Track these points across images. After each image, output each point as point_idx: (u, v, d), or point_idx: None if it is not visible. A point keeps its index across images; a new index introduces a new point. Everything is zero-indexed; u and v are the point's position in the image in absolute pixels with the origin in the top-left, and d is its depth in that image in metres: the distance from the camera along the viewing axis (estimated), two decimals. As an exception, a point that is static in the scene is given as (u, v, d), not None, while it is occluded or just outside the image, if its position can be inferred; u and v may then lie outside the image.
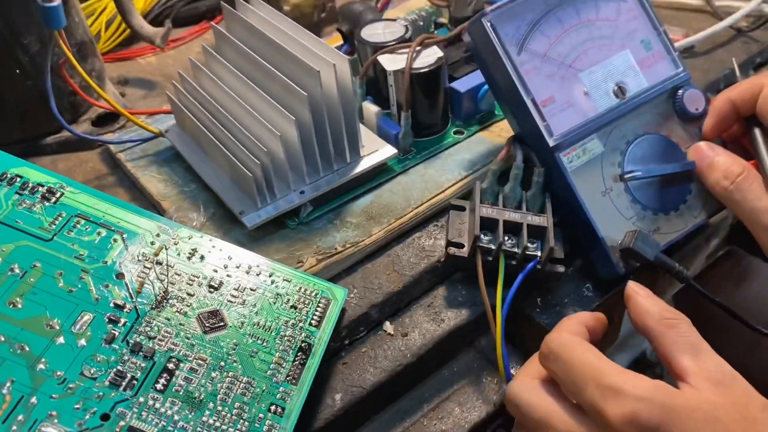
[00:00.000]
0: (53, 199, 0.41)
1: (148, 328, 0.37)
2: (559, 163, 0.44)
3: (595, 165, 0.45)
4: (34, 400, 0.33)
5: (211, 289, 0.40)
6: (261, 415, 0.36)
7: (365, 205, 0.50)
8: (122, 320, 0.37)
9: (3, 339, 0.35)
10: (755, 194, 0.42)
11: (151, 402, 0.35)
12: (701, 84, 0.59)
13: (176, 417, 0.35)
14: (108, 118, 0.59)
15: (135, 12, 0.62)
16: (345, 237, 0.47)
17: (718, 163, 0.44)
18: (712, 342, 0.35)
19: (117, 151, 0.54)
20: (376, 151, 0.51)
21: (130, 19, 0.62)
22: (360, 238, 0.47)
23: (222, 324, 0.39)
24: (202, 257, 0.41)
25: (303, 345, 0.39)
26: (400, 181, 0.51)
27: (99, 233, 0.40)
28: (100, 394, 0.34)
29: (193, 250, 0.42)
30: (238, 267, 0.42)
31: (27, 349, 0.35)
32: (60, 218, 0.40)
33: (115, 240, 0.40)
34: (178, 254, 0.41)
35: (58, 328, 0.36)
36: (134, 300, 0.38)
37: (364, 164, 0.50)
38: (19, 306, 0.36)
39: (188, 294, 0.39)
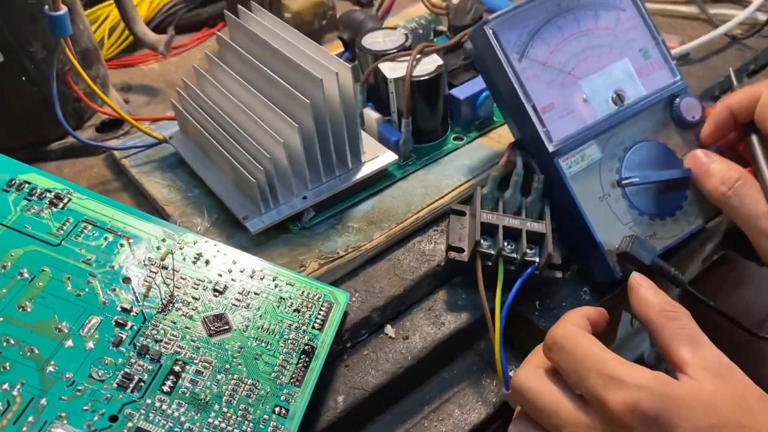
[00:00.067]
0: (61, 205, 0.41)
1: (155, 332, 0.38)
2: (558, 169, 0.45)
3: (593, 171, 0.45)
4: (43, 401, 0.34)
5: (216, 293, 0.41)
6: (265, 417, 0.37)
7: (366, 210, 0.50)
8: (129, 323, 0.38)
9: (13, 342, 0.35)
10: (753, 199, 0.43)
11: (158, 404, 0.36)
12: (696, 91, 0.60)
13: (183, 418, 0.35)
14: (112, 125, 0.59)
15: (138, 19, 0.62)
16: (347, 241, 0.48)
17: (715, 169, 0.45)
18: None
19: (121, 157, 0.55)
20: (377, 157, 0.52)
21: (134, 26, 0.62)
22: (361, 243, 0.47)
23: (227, 327, 0.39)
24: (207, 262, 0.42)
25: (306, 348, 0.40)
26: (401, 187, 0.52)
27: (106, 238, 0.41)
28: (109, 395, 0.35)
29: (198, 254, 0.42)
30: (242, 271, 0.42)
31: (36, 351, 0.35)
32: (67, 223, 0.41)
33: (121, 245, 0.41)
34: (184, 259, 0.42)
35: (66, 331, 0.36)
36: (141, 304, 0.39)
37: (366, 170, 0.51)
38: (29, 310, 0.37)
39: (194, 298, 0.40)
